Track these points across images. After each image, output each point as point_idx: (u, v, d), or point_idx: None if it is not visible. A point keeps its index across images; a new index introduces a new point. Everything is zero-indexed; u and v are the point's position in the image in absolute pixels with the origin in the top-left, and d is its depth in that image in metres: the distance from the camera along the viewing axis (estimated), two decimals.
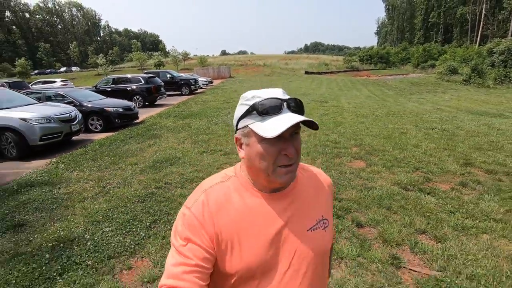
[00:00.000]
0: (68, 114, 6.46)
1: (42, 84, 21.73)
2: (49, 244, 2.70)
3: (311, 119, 0.63)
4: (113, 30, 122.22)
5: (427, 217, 2.99)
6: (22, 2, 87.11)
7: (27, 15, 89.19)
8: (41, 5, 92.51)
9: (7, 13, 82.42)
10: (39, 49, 76.06)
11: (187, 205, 0.72)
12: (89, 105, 8.23)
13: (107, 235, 2.84)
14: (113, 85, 13.22)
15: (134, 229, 2.94)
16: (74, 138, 7.15)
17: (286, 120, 0.63)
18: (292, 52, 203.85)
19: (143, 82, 13.20)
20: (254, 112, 0.66)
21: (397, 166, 4.58)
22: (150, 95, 13.16)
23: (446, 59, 36.73)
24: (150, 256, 2.51)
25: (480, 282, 2.07)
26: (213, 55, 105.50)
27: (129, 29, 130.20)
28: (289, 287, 0.69)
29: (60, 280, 2.25)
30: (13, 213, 3.43)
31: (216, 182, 0.74)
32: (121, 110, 8.38)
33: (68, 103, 7.87)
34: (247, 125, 0.68)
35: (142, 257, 2.52)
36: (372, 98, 18.71)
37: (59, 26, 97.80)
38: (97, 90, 11.89)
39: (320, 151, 5.42)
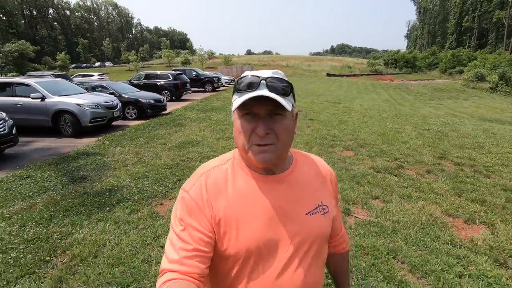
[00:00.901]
0: (111, 103, 7.82)
1: (82, 77, 23.91)
2: (107, 187, 3.89)
3: (275, 98, 0.62)
4: (144, 28, 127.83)
5: (384, 189, 3.87)
6: (64, 0, 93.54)
7: (67, 12, 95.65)
8: (81, 3, 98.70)
9: (50, 10, 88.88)
10: (78, 44, 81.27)
11: (185, 188, 0.72)
12: (126, 96, 9.61)
13: (145, 185, 3.98)
14: (145, 80, 14.73)
15: (165, 183, 4.06)
16: (114, 123, 8.51)
17: (252, 95, 0.62)
18: (318, 53, 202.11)
19: (171, 78, 14.60)
20: (235, 89, 0.67)
21: (379, 156, 5.41)
22: (177, 90, 14.53)
23: (475, 66, 35.74)
24: (176, 199, 3.60)
25: (399, 224, 2.97)
26: (238, 54, 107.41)
27: (159, 27, 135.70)
28: (289, 269, 0.70)
29: (117, 206, 3.39)
30: (77, 170, 4.67)
31: (213, 166, 0.75)
32: (152, 101, 9.70)
33: (110, 93, 9.27)
34: (232, 102, 0.68)
35: (170, 199, 3.63)
36: (389, 102, 19.07)
37: (95, 23, 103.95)
38: (131, 84, 13.38)
39: (318, 142, 6.33)
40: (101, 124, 7.50)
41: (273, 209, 0.70)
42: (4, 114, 5.44)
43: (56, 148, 6.21)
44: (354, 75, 42.61)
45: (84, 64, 69.58)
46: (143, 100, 9.52)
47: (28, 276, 2.26)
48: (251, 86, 0.65)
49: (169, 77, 14.66)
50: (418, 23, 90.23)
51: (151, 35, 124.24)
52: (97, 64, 71.60)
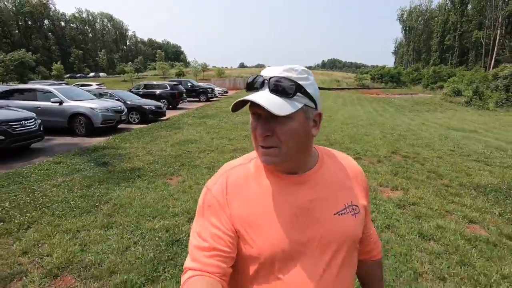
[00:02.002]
0: (119, 107, 8.96)
1: (80, 87, 24.93)
2: (127, 168, 5.01)
3: (260, 103, 0.58)
4: (139, 40, 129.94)
5: None
6: (60, 12, 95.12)
7: (62, 23, 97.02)
8: (76, 15, 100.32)
9: (46, 21, 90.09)
10: (72, 55, 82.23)
11: (208, 186, 0.72)
12: (130, 103, 10.76)
13: (156, 167, 5.12)
14: (144, 89, 15.92)
15: (172, 166, 5.21)
16: (119, 126, 9.60)
17: (244, 98, 0.60)
18: (309, 67, 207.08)
19: (168, 88, 15.83)
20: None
21: (344, 151, 6.65)
22: (174, 99, 15.73)
23: (453, 81, 38.22)
24: (182, 176, 4.75)
25: None
26: (231, 67, 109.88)
27: (153, 39, 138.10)
28: (315, 273, 0.66)
29: (138, 179, 4.52)
30: (99, 158, 5.77)
31: (237, 164, 0.75)
32: (153, 108, 10.87)
33: (116, 100, 10.40)
34: None
35: (177, 176, 4.77)
36: (371, 113, 20.61)
37: (90, 35, 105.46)
38: (132, 93, 14.52)
39: None
40: (110, 125, 8.60)
41: (297, 209, 0.67)
42: (34, 114, 6.51)
43: (74, 144, 7.27)
44: (342, 89, 44.65)
45: (78, 75, 70.45)
46: (145, 106, 10.68)
47: (86, 213, 3.36)
48: (254, 86, 0.66)
49: (166, 87, 15.88)
50: (404, 40, 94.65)
51: (145, 47, 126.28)
52: (92, 74, 72.59)
